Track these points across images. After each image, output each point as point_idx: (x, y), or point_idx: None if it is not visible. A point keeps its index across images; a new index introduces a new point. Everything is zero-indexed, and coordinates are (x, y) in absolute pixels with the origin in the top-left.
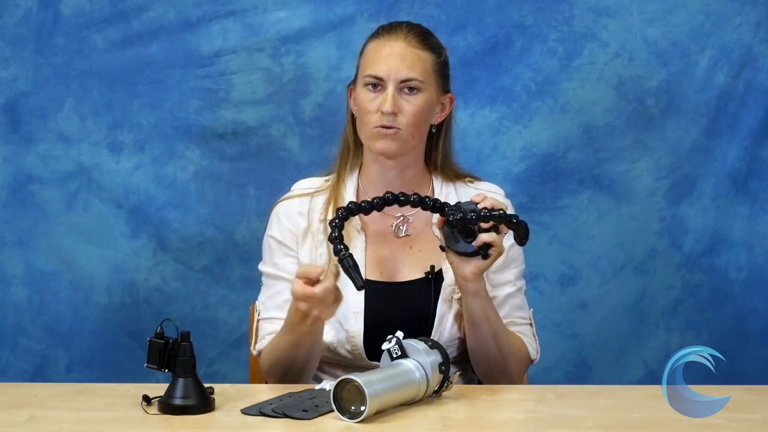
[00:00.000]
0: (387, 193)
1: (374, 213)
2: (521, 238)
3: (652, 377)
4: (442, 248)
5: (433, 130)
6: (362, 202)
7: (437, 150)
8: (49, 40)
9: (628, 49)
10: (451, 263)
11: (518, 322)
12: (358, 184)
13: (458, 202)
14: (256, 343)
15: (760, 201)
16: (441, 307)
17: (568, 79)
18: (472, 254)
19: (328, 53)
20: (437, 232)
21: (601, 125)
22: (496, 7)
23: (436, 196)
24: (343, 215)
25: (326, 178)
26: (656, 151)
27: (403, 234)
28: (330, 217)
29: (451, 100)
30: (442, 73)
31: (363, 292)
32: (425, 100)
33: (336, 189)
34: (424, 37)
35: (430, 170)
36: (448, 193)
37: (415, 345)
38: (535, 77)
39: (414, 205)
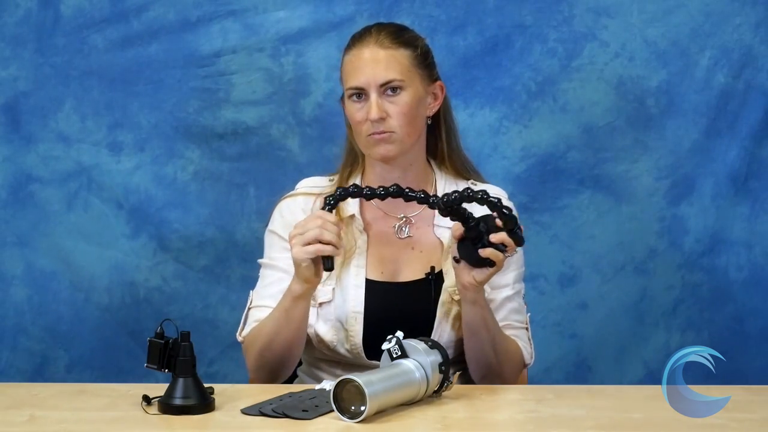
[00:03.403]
0: (393, 185)
1: (377, 213)
2: (510, 229)
3: (652, 377)
4: (456, 260)
5: (429, 122)
6: (365, 187)
7: (441, 140)
8: (49, 40)
9: (628, 49)
10: (454, 269)
11: (515, 326)
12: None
13: (480, 216)
14: (242, 329)
15: (760, 201)
16: (441, 308)
17: (568, 79)
18: (480, 262)
19: (328, 53)
20: (446, 238)
21: (601, 125)
22: (496, 7)
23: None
24: (340, 194)
25: (330, 177)
26: (656, 151)
27: (405, 235)
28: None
29: (442, 87)
30: (424, 64)
31: (363, 292)
32: (411, 96)
33: None
34: (396, 35)
35: (434, 167)
36: None
37: (415, 345)
38: (535, 77)
39: (419, 201)
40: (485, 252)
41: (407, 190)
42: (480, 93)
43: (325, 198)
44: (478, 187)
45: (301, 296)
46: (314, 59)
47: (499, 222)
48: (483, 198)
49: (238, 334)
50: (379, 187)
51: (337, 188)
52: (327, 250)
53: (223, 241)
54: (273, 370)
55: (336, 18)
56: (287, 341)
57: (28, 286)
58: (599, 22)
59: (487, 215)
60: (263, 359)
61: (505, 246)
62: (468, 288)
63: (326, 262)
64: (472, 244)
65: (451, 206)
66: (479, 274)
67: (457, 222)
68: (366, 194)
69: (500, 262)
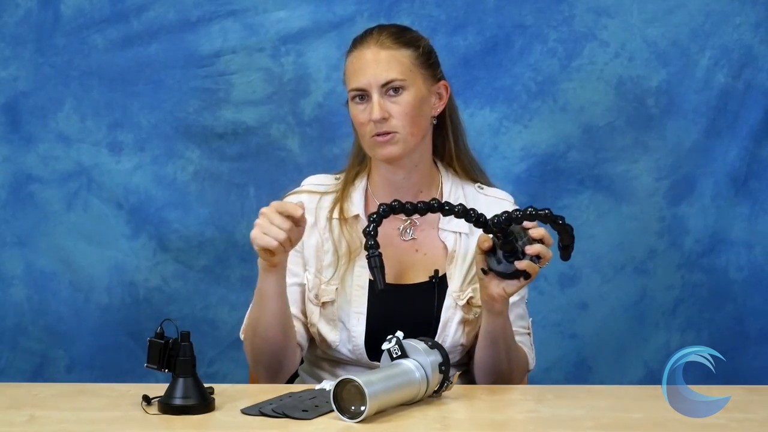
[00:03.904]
0: (433, 199)
1: None
2: (566, 245)
3: (652, 377)
4: (484, 271)
5: (434, 122)
6: (406, 203)
7: (448, 140)
8: (49, 40)
9: (628, 49)
10: (480, 280)
11: (520, 332)
12: (367, 186)
13: (511, 227)
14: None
15: (760, 201)
16: (446, 312)
17: (568, 79)
18: (513, 275)
19: (328, 53)
20: (450, 242)
21: (601, 125)
22: (496, 7)
23: (444, 199)
24: (383, 212)
25: (336, 176)
26: (656, 151)
27: (410, 237)
28: (339, 215)
29: (446, 87)
30: (427, 64)
31: (366, 293)
32: (413, 96)
33: (344, 190)
34: (397, 35)
35: (440, 168)
36: (457, 197)
37: (415, 345)
38: (535, 77)
39: (458, 215)
40: (522, 264)
41: (445, 204)
42: (480, 93)
43: (369, 216)
44: (485, 191)
45: (265, 270)
46: (314, 59)
47: (533, 233)
48: (547, 215)
49: (240, 332)
50: (419, 201)
51: (380, 205)
52: (272, 244)
53: (223, 241)
54: (268, 364)
55: (336, 18)
56: (269, 323)
57: (28, 286)
58: (599, 22)
59: (518, 226)
60: (255, 349)
61: (539, 258)
62: (496, 299)
63: (378, 282)
64: (504, 257)
65: (510, 222)
66: (510, 285)
67: (485, 234)
68: (407, 209)
69: (535, 274)
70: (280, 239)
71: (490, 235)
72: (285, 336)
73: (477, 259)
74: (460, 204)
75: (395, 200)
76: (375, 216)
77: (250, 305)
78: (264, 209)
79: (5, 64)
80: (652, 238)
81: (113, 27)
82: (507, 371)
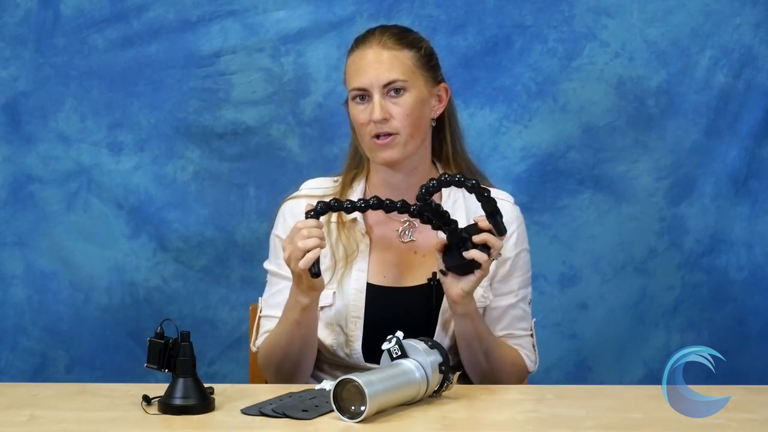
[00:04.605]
0: (373, 197)
1: (380, 217)
2: (490, 212)
3: (652, 377)
4: (443, 272)
5: (433, 124)
6: (346, 200)
7: (446, 143)
8: (49, 40)
9: (628, 49)
10: (442, 283)
11: (517, 335)
12: (365, 188)
13: (458, 227)
14: (255, 339)
15: (760, 201)
16: (443, 315)
17: (568, 79)
18: (466, 267)
19: (328, 53)
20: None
21: (601, 125)
22: (496, 7)
23: (443, 201)
24: (320, 209)
25: (335, 179)
26: (656, 151)
27: (408, 239)
28: (337, 219)
29: (446, 89)
30: (428, 65)
31: (363, 296)
32: (414, 97)
33: (342, 193)
34: (399, 36)
35: (439, 170)
36: (456, 199)
37: (415, 345)
38: (535, 77)
39: (400, 211)
40: (470, 253)
41: (387, 201)
42: (480, 93)
43: (306, 213)
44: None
45: (310, 306)
46: (314, 59)
47: (481, 224)
48: (460, 181)
49: (252, 344)
50: (360, 199)
51: (318, 202)
52: (313, 256)
53: (223, 241)
54: (292, 375)
55: (336, 18)
56: (302, 346)
57: (28, 286)
58: (599, 22)
59: (469, 225)
60: (283, 370)
61: (489, 248)
62: (458, 301)
63: (312, 268)
64: (456, 251)
65: (430, 193)
66: (467, 283)
67: (439, 240)
68: (347, 207)
69: (486, 263)
70: (317, 245)
71: (441, 235)
72: (315, 346)
73: (437, 262)
74: (402, 200)
75: (334, 198)
76: (311, 213)
77: (263, 322)
78: (284, 255)
79: (5, 64)
80: (652, 238)
81: (113, 27)
82: (488, 370)
